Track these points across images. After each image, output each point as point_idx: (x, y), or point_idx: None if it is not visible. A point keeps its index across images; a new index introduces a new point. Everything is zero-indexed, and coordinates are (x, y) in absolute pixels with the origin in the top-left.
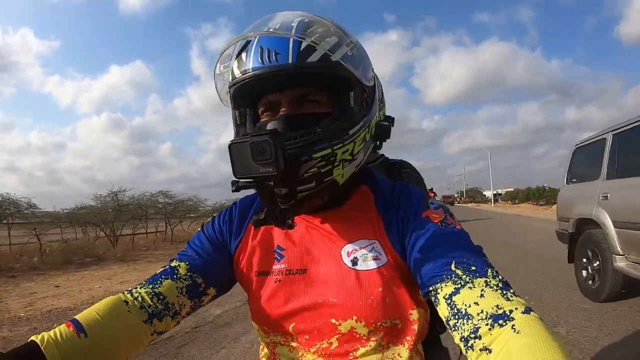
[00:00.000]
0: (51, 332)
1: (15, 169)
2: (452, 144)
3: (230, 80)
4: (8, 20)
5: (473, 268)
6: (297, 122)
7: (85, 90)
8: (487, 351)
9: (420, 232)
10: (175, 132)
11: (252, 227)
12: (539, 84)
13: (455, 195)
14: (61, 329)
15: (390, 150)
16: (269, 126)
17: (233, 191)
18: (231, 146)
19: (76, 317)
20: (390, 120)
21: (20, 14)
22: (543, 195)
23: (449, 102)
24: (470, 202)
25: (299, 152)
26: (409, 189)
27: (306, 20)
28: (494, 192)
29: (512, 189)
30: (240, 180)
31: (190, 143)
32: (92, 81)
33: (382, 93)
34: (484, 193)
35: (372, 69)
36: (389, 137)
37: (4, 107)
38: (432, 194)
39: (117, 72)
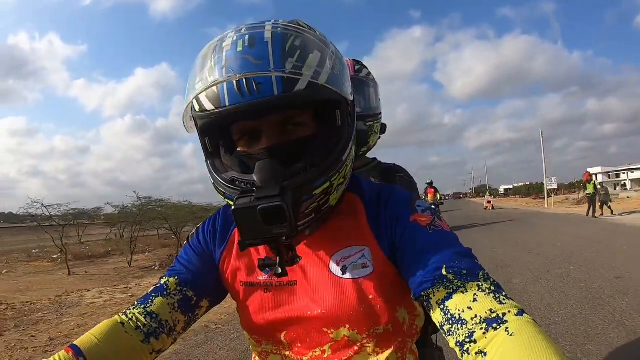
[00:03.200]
0: (50, 359)
1: (39, 173)
2: (472, 138)
3: (197, 110)
4: (35, 26)
5: (464, 272)
6: (285, 154)
7: (110, 93)
8: (482, 354)
9: (408, 236)
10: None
11: (236, 236)
12: (561, 76)
13: (470, 191)
14: (60, 355)
15: (410, 146)
16: (259, 172)
17: (241, 251)
18: (236, 212)
19: (74, 342)
20: (383, 127)
21: (47, 19)
22: (541, 190)
23: (471, 97)
24: (477, 197)
25: (300, 194)
26: (395, 192)
27: (279, 31)
28: (506, 187)
29: (522, 184)
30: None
31: None
32: (117, 84)
33: (379, 100)
34: (497, 189)
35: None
36: (367, 143)
37: (29, 113)
38: (432, 190)
39: (143, 74)
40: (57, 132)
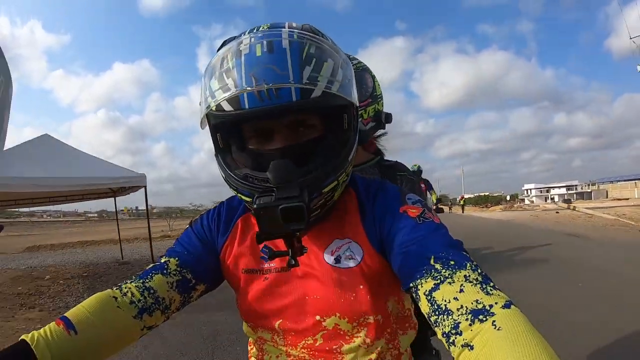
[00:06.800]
0: (41, 331)
1: None
2: (443, 147)
3: (214, 110)
4: (17, 11)
5: (452, 262)
6: (297, 154)
7: (87, 86)
8: (469, 347)
9: (398, 227)
10: (172, 131)
11: (239, 226)
12: (534, 91)
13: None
14: (51, 327)
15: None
16: (275, 171)
17: (258, 243)
18: (258, 210)
19: (65, 314)
20: (388, 117)
21: (30, 4)
22: (488, 200)
23: (445, 108)
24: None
25: (310, 192)
26: (384, 186)
27: (296, 39)
28: (466, 196)
29: (485, 194)
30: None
31: (184, 142)
32: (94, 78)
33: (379, 88)
34: (455, 197)
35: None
36: (367, 142)
37: None
38: (423, 185)
39: (122, 69)
40: (29, 124)
